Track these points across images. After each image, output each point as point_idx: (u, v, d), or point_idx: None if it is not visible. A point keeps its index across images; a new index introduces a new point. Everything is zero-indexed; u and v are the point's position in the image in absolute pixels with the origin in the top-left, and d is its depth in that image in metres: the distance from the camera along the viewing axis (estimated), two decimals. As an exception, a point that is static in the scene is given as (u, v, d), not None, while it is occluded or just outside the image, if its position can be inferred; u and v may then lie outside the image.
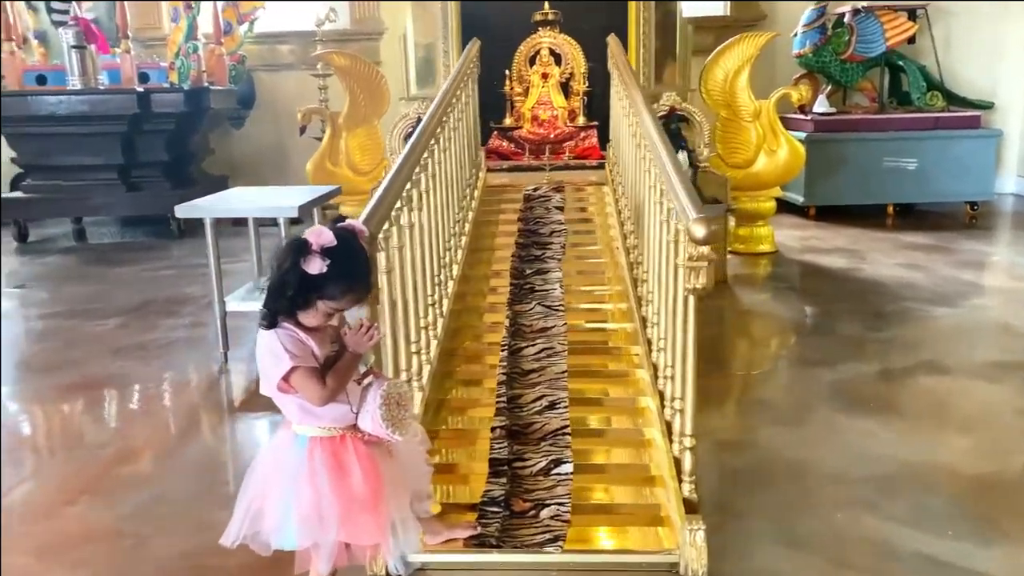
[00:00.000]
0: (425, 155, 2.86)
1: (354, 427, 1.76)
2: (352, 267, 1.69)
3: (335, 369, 1.72)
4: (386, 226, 2.17)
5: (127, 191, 6.87)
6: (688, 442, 2.14)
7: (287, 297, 1.66)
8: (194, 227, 3.63)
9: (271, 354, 1.68)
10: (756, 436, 2.89)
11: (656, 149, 2.62)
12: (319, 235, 1.65)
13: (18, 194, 6.99)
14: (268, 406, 3.32)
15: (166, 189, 6.91)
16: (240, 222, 4.54)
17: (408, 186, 2.52)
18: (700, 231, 1.89)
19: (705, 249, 1.95)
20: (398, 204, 2.34)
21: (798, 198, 6.91)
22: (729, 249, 5.52)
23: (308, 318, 1.71)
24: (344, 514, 1.70)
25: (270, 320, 1.69)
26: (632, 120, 3.48)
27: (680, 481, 2.16)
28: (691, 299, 2.04)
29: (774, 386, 3.38)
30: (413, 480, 1.90)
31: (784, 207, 6.82)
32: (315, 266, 1.63)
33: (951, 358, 3.61)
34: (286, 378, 1.68)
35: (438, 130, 3.13)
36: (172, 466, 2.83)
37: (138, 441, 3.02)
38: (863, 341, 3.88)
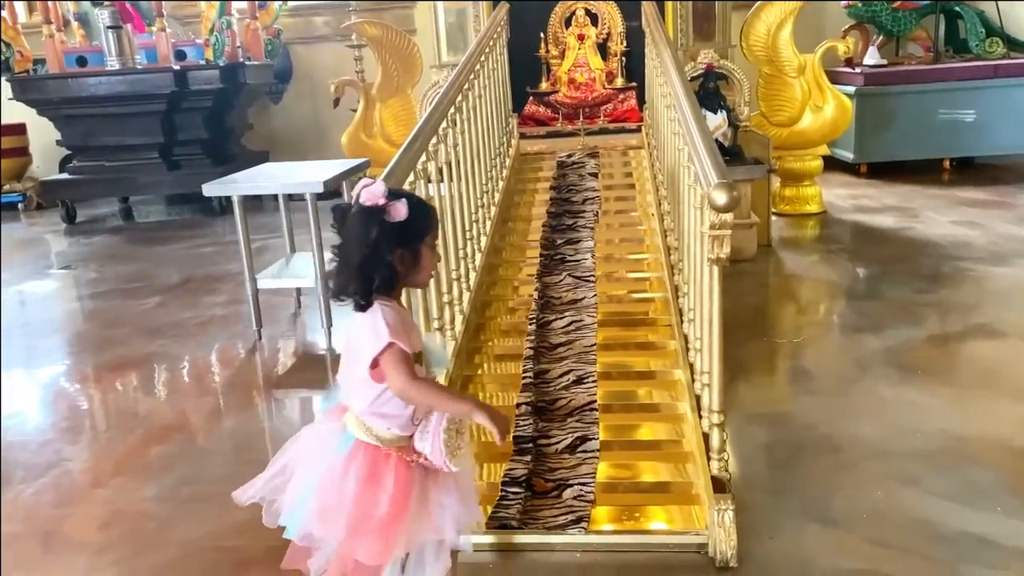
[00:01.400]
0: (444, 125, 2.78)
1: (404, 447, 1.62)
2: (411, 194, 1.61)
3: (438, 389, 1.62)
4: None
5: (168, 170, 6.94)
6: (716, 419, 2.05)
7: (386, 264, 1.52)
8: (243, 203, 3.61)
9: (372, 330, 1.52)
10: (794, 408, 2.78)
11: (682, 109, 2.50)
12: (371, 189, 1.52)
13: (64, 176, 7.11)
14: (299, 384, 3.37)
15: (207, 166, 6.95)
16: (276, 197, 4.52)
17: (423, 158, 2.45)
18: (721, 198, 1.78)
19: (728, 216, 1.84)
20: (411, 177, 2.27)
21: (848, 155, 6.65)
22: (774, 211, 5.34)
23: (418, 277, 1.62)
24: (354, 527, 1.58)
25: (366, 300, 1.54)
26: (663, 81, 3.35)
27: (708, 459, 2.08)
28: (715, 269, 1.94)
29: (816, 354, 3.24)
30: (458, 512, 1.67)
31: (834, 165, 6.58)
32: (401, 210, 1.51)
33: (1006, 322, 3.42)
34: (379, 356, 1.52)
35: (459, 98, 3.04)
36: (201, 446, 2.84)
37: (169, 421, 3.04)
38: (913, 305, 3.70)
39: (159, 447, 2.82)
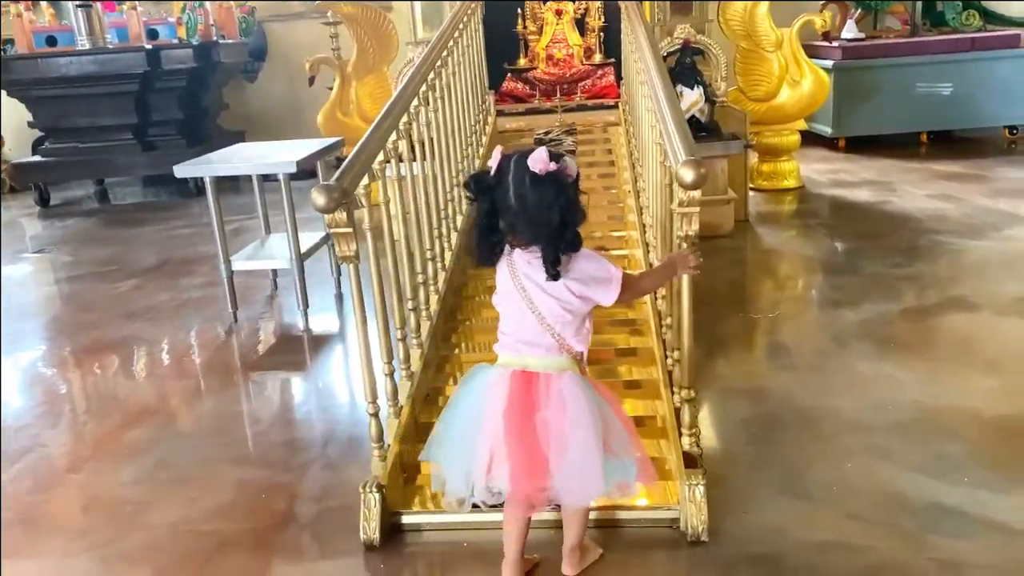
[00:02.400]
0: (416, 103, 2.75)
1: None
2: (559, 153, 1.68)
3: (651, 273, 1.89)
4: (365, 181, 2.08)
5: (143, 151, 6.85)
6: (686, 394, 2.06)
7: (576, 221, 1.64)
8: (216, 183, 3.57)
9: (601, 270, 1.69)
10: (769, 383, 2.80)
11: (654, 86, 2.48)
12: (539, 157, 1.59)
13: (37, 158, 7.01)
14: (276, 366, 3.35)
15: (182, 147, 6.87)
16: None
17: (393, 136, 2.42)
18: (689, 175, 1.77)
19: (696, 194, 1.83)
20: (380, 156, 2.25)
21: (826, 129, 6.66)
22: (751, 186, 5.35)
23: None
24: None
25: (575, 252, 1.67)
26: (637, 57, 3.32)
27: (680, 434, 2.09)
28: (685, 247, 1.93)
29: (793, 329, 3.26)
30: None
31: (812, 139, 6.59)
32: (574, 167, 1.63)
33: (980, 294, 3.45)
34: (622, 286, 1.70)
35: (431, 75, 3.01)
36: (178, 429, 2.82)
37: (145, 405, 3.02)
38: (889, 279, 3.72)
39: (136, 431, 2.80)
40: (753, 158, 5.44)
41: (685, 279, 1.96)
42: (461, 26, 3.78)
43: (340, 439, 2.65)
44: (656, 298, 2.70)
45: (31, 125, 7.12)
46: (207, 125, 7.30)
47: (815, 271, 4.05)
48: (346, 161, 2.00)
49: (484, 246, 1.69)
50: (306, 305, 3.70)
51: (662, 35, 5.21)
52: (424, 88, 2.88)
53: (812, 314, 3.45)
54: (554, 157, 1.58)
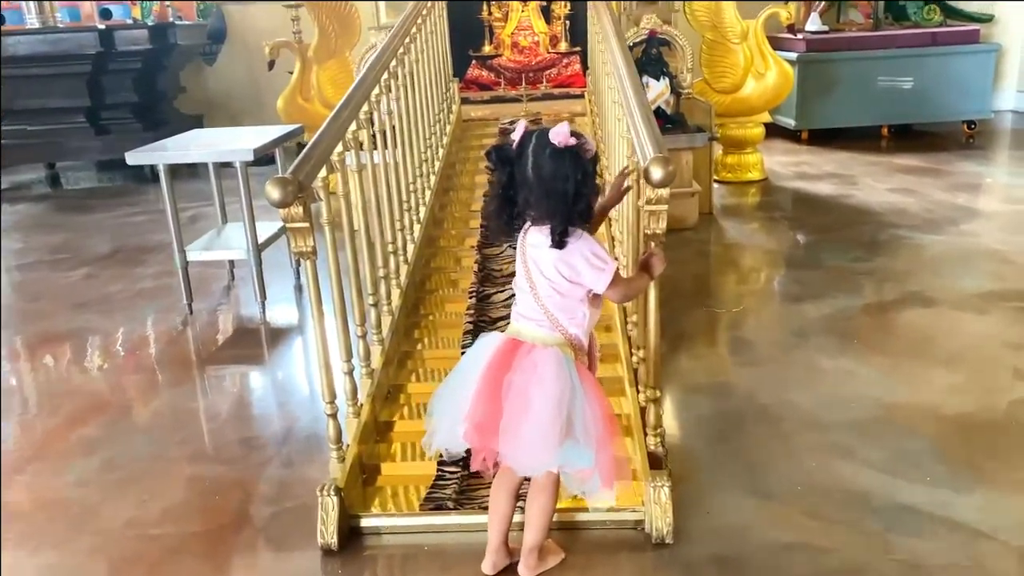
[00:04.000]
0: (376, 91, 2.68)
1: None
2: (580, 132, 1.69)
3: (637, 276, 1.84)
4: (323, 173, 2.01)
5: (97, 134, 6.66)
6: (651, 394, 2.03)
7: (593, 194, 1.67)
8: (172, 169, 3.46)
9: (596, 258, 1.68)
10: (731, 379, 2.79)
11: (619, 76, 2.44)
12: (561, 131, 1.62)
13: (-17, 140, 6.77)
14: (233, 359, 3.27)
15: (137, 131, 6.69)
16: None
17: (353, 127, 2.35)
18: (658, 172, 1.74)
19: (664, 192, 1.80)
20: (339, 147, 2.18)
21: (790, 122, 6.69)
22: (716, 178, 5.35)
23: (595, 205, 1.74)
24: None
25: (584, 227, 1.70)
26: (603, 47, 3.28)
27: (645, 434, 2.06)
28: (652, 245, 1.90)
29: (756, 324, 3.26)
30: None
31: (776, 131, 6.62)
32: (593, 146, 1.67)
33: (939, 289, 3.48)
34: (612, 280, 1.70)
35: (392, 63, 2.93)
36: (127, 427, 2.72)
37: (94, 401, 2.92)
38: (850, 273, 3.74)
39: (83, 429, 2.70)
40: (718, 150, 5.44)
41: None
42: (425, 12, 3.70)
43: (298, 436, 2.58)
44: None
45: (-22, 106, 6.88)
46: (163, 109, 7.12)
47: (778, 265, 4.06)
48: (302, 152, 1.93)
49: (500, 219, 1.75)
50: (264, 297, 3.61)
51: (628, 24, 5.18)
52: (386, 76, 2.81)
53: (775, 308, 3.46)
54: (575, 133, 1.64)
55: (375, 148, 2.66)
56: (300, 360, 3.28)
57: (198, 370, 3.16)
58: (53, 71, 6.34)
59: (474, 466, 1.80)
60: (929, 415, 2.48)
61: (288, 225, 1.84)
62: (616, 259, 1.87)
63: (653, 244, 1.88)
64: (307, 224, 1.85)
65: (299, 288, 3.93)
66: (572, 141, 1.63)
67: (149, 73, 6.70)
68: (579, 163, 1.64)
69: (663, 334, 2.05)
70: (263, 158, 3.58)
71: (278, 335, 3.51)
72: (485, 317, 2.84)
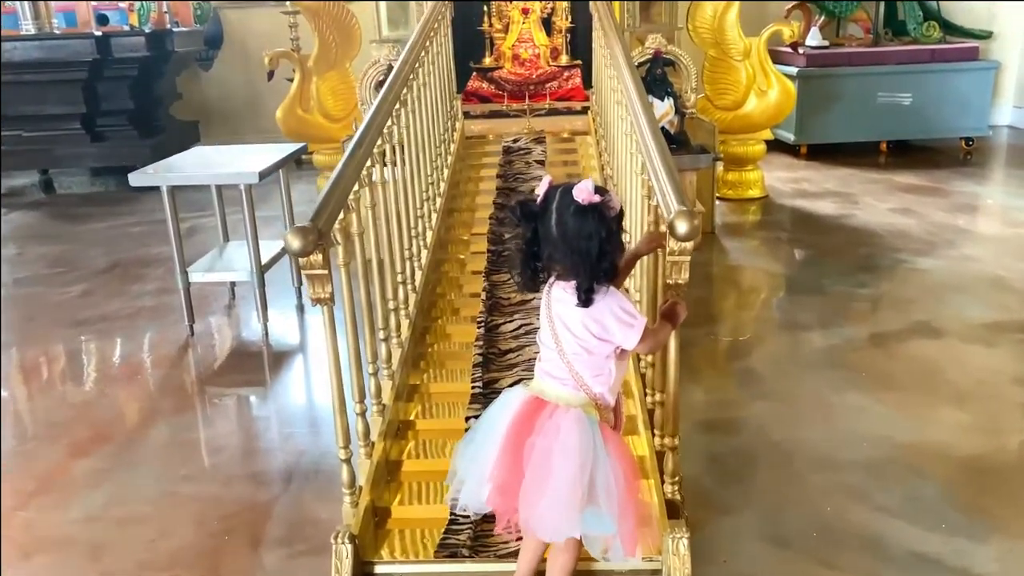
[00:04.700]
0: (389, 123, 2.65)
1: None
2: (605, 188, 1.69)
3: (658, 331, 1.79)
4: (341, 216, 1.99)
5: (92, 141, 6.60)
6: (670, 442, 2.01)
7: (612, 254, 1.63)
8: (172, 194, 3.43)
9: (625, 313, 1.65)
10: (742, 414, 2.78)
11: (637, 118, 2.42)
12: (585, 188, 1.60)
13: (-24, 146, 6.70)
14: (235, 384, 3.23)
15: (133, 138, 6.66)
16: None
17: (369, 163, 2.33)
18: (683, 227, 1.71)
19: (689, 244, 1.78)
20: (356, 187, 2.15)
21: (789, 136, 6.69)
22: (717, 195, 5.34)
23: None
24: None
25: (608, 286, 1.66)
26: (612, 73, 3.26)
27: (663, 482, 2.04)
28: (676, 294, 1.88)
29: (761, 354, 3.25)
30: None
31: (775, 146, 6.61)
32: (617, 203, 1.64)
33: (945, 319, 3.48)
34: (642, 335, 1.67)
35: (403, 91, 2.90)
36: (130, 459, 2.69)
37: (95, 430, 2.87)
38: (854, 299, 3.74)
39: (85, 460, 2.66)
40: (719, 167, 5.43)
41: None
42: (432, 33, 3.68)
43: (305, 471, 2.56)
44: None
45: (-29, 111, 6.80)
46: (159, 116, 7.06)
47: (782, 290, 4.05)
48: (320, 198, 1.90)
49: (525, 273, 1.71)
50: (266, 319, 3.58)
51: (632, 42, 5.17)
52: (397, 106, 2.78)
53: (781, 338, 3.44)
54: (599, 190, 1.62)
55: (384, 182, 2.63)
56: (303, 386, 3.26)
57: (201, 396, 3.13)
58: (49, 77, 6.28)
59: (498, 529, 1.78)
60: (940, 456, 2.47)
61: (307, 272, 1.81)
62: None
63: (675, 293, 1.86)
64: (326, 271, 1.82)
65: (300, 308, 3.90)
66: (596, 199, 1.60)
67: (145, 80, 6.63)
68: (604, 221, 1.61)
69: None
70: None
71: (280, 358, 3.48)
72: (494, 349, 2.81)
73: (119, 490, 2.48)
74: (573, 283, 1.65)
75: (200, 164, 3.61)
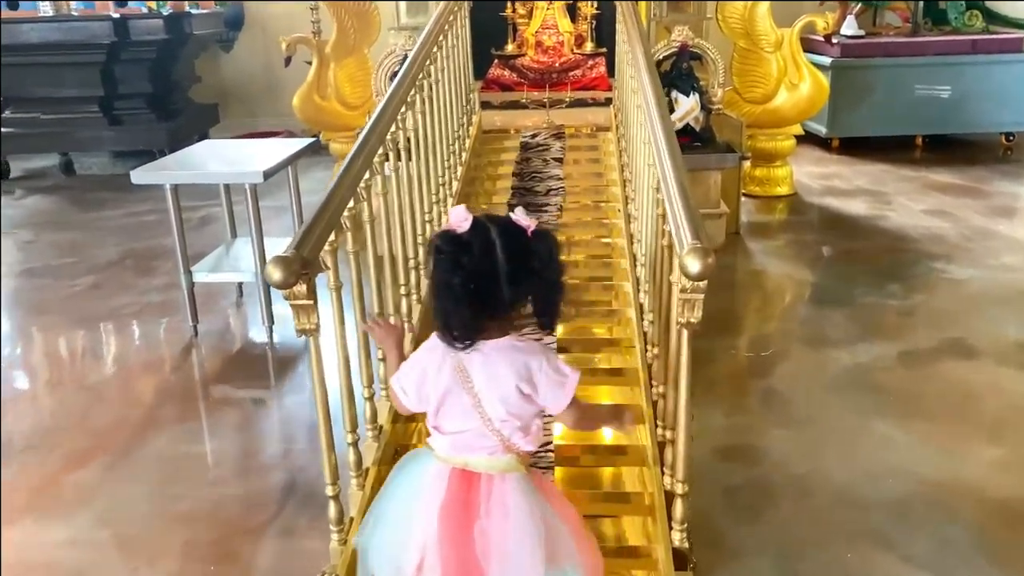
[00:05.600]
0: (393, 129, 2.52)
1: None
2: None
3: (595, 408, 1.67)
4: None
5: (110, 124, 6.53)
6: (680, 488, 1.88)
7: (562, 289, 1.50)
8: (176, 194, 3.33)
9: (558, 373, 1.48)
10: (761, 441, 2.63)
11: (658, 144, 2.25)
12: (520, 215, 1.46)
13: (-4, 128, 6.66)
14: (238, 390, 3.14)
15: (151, 121, 6.58)
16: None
17: (367, 175, 2.19)
18: (695, 266, 1.57)
19: (702, 283, 1.63)
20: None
21: (821, 129, 6.46)
22: (744, 191, 5.16)
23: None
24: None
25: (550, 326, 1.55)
26: (633, 73, 3.10)
27: (670, 528, 1.91)
28: (685, 332, 1.74)
29: (784, 373, 3.09)
30: None
31: (806, 139, 6.39)
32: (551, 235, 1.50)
33: (980, 337, 3.30)
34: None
35: (411, 93, 2.77)
36: (124, 473, 2.60)
37: (91, 439, 2.79)
38: (883, 311, 3.57)
39: (79, 472, 2.58)
40: (746, 163, 5.23)
41: (684, 366, 1.77)
42: (447, 26, 3.52)
43: (301, 492, 2.46)
44: (650, 351, 2.51)
45: (-10, 93, 6.76)
46: (177, 99, 6.97)
47: (808, 299, 3.88)
48: (305, 223, 1.77)
49: (459, 319, 1.43)
50: (271, 322, 3.48)
51: (659, 32, 4.98)
52: (403, 109, 2.64)
53: (805, 354, 3.27)
54: (538, 230, 1.47)
55: (386, 191, 2.50)
56: (306, 394, 3.15)
57: (200, 404, 3.04)
58: (66, 60, 6.21)
59: None
60: (973, 497, 2.32)
61: (291, 302, 1.70)
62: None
63: (686, 332, 1.72)
64: (311, 301, 1.70)
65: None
66: (533, 225, 1.45)
67: (164, 63, 6.55)
68: (553, 252, 1.47)
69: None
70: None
71: (285, 362, 3.38)
72: (501, 367, 2.68)
73: (108, 509, 2.40)
74: (508, 338, 1.48)
75: (206, 160, 3.51)
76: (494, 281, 1.41)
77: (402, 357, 1.62)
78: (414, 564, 1.49)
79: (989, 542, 2.13)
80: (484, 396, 1.47)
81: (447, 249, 1.41)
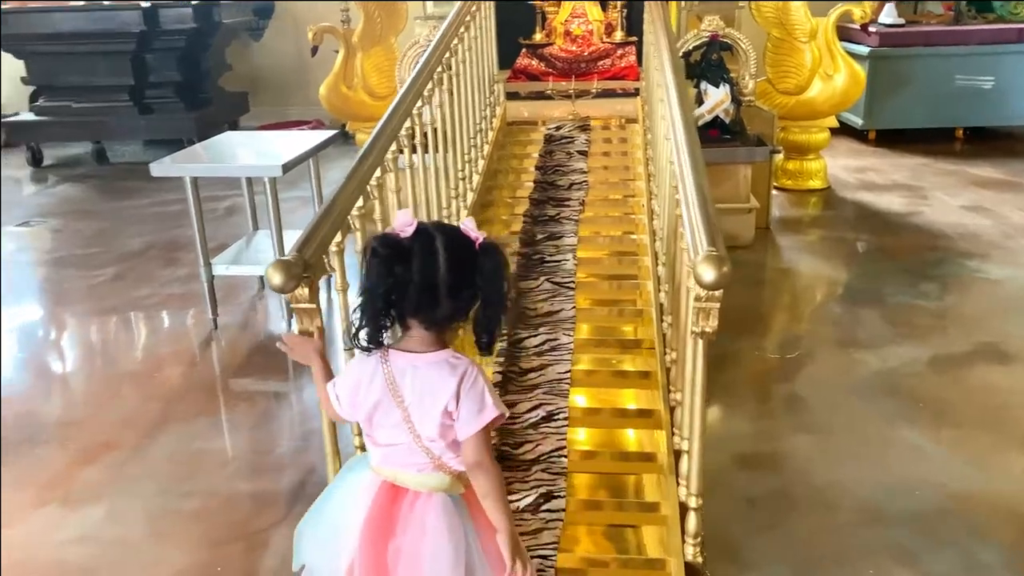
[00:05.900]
0: (408, 124, 2.47)
1: None
2: None
3: (502, 492, 1.42)
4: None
5: (140, 113, 6.56)
6: (694, 502, 1.82)
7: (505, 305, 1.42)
8: (195, 186, 3.32)
9: (481, 398, 1.38)
10: (784, 448, 2.55)
11: (677, 141, 2.17)
12: (469, 225, 1.41)
13: (29, 116, 6.72)
14: (257, 385, 3.12)
15: (181, 110, 6.60)
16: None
17: (378, 172, 2.15)
18: (709, 275, 1.50)
19: (718, 292, 1.57)
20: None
21: (857, 120, 6.29)
22: (775, 185, 5.03)
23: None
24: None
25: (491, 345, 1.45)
26: (658, 65, 3.01)
27: (683, 542, 1.85)
28: (700, 342, 1.67)
29: (809, 377, 3.00)
30: None
31: (842, 130, 6.23)
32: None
33: (1016, 341, 3.17)
34: (486, 425, 1.38)
35: (428, 87, 2.71)
36: (136, 468, 2.60)
37: (105, 433, 2.79)
38: (915, 313, 3.45)
39: (90, 468, 2.58)
40: (778, 156, 5.11)
41: (699, 375, 1.70)
42: (469, 17, 3.46)
43: (312, 492, 2.41)
44: (669, 351, 2.44)
45: (24, 81, 6.82)
46: (207, 87, 6.98)
47: (837, 299, 3.77)
48: (309, 226, 1.73)
49: (374, 325, 1.38)
50: (290, 315, 3.46)
51: (690, 20, 4.86)
52: (420, 104, 2.59)
53: (832, 357, 3.17)
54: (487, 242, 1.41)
55: (399, 188, 2.46)
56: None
57: (216, 399, 3.04)
58: (97, 48, 6.25)
59: None
60: (1005, 512, 2.22)
61: (293, 305, 1.66)
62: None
63: (701, 342, 1.65)
64: (314, 304, 1.67)
65: (329, 300, 3.77)
66: (481, 237, 1.39)
67: (193, 52, 6.57)
68: (502, 265, 1.39)
69: (709, 382, 1.78)
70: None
71: (303, 357, 3.35)
72: (515, 367, 2.63)
73: (119, 506, 2.39)
74: (444, 352, 1.39)
75: (229, 151, 3.48)
76: (433, 292, 1.34)
77: (327, 365, 1.57)
78: (343, 572, 1.46)
79: (1021, 562, 2.04)
80: (414, 412, 1.40)
81: (382, 253, 1.34)
